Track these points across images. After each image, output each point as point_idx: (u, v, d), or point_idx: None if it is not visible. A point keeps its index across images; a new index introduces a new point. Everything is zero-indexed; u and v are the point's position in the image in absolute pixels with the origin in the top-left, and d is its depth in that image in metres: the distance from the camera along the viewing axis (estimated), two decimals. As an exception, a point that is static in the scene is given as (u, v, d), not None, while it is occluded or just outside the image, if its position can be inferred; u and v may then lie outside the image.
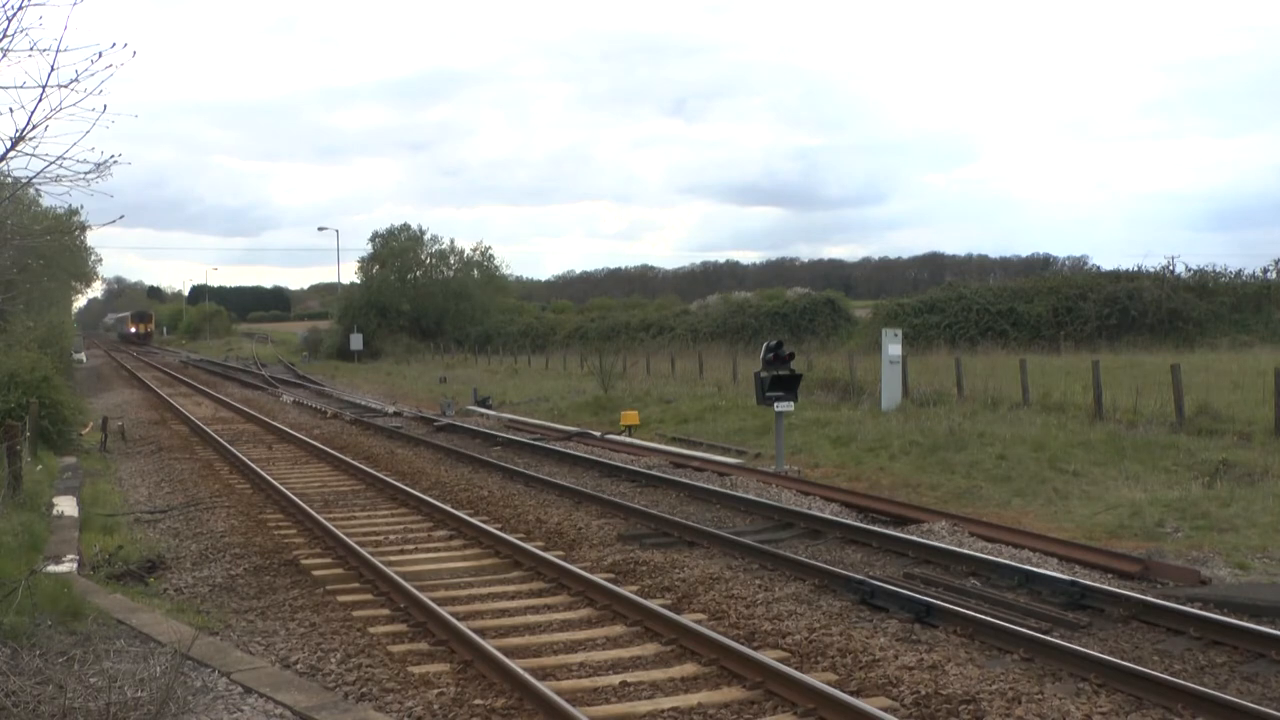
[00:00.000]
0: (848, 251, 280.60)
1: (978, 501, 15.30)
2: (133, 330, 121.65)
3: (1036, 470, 16.59)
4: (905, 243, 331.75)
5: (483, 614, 9.97)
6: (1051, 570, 11.02)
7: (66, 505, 14.51)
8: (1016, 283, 53.91)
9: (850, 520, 13.91)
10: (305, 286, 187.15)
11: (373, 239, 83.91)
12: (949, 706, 7.45)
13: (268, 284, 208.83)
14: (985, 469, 17.02)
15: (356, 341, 68.76)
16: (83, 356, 61.60)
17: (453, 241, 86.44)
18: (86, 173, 8.70)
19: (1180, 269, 49.05)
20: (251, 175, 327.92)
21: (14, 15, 8.20)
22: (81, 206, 33.95)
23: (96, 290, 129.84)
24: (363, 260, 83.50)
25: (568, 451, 21.01)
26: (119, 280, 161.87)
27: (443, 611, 9.41)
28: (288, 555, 12.44)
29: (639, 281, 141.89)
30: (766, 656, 8.30)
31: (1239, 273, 49.34)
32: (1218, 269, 49.15)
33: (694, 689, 7.96)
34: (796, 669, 8.07)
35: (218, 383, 47.49)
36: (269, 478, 17.39)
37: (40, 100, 8.10)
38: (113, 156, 8.77)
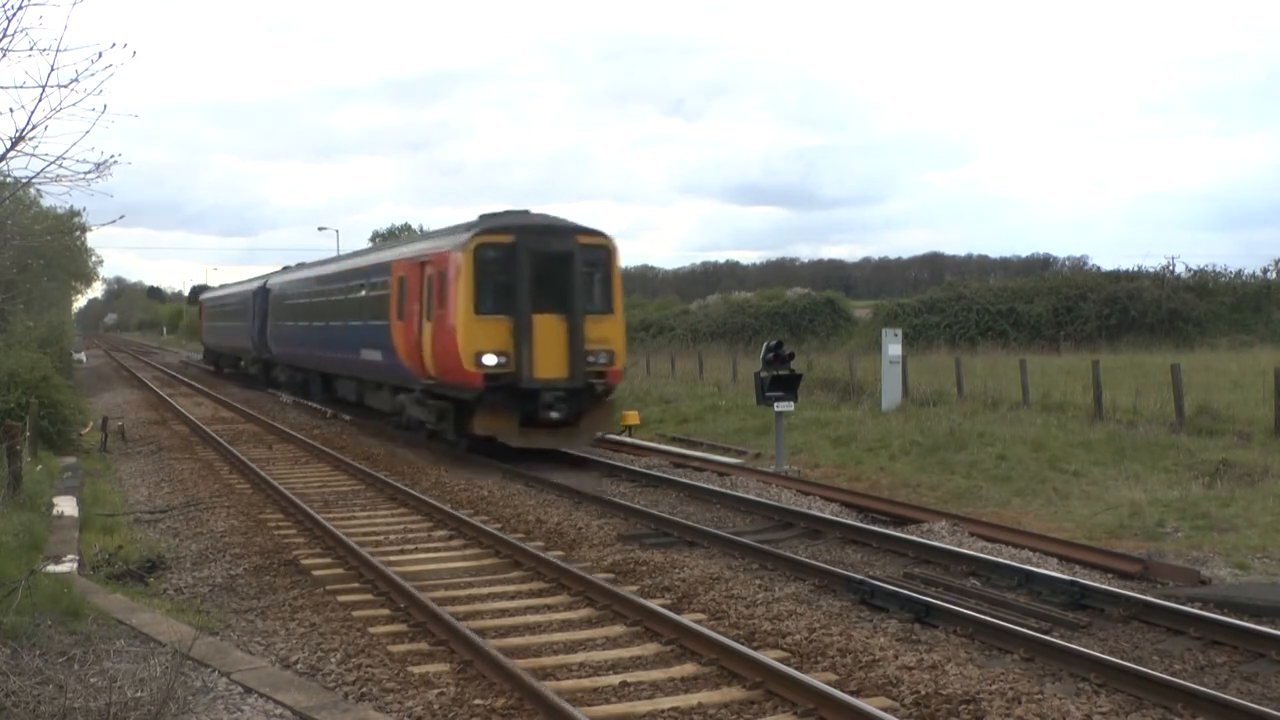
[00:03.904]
0: (848, 251, 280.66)
1: (978, 501, 15.29)
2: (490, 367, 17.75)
3: (1036, 470, 16.59)
4: (905, 243, 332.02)
5: (483, 614, 9.97)
6: (1051, 570, 11.03)
7: (66, 505, 14.50)
8: (1016, 283, 53.88)
9: (850, 520, 13.90)
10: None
11: (373, 239, 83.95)
12: (949, 706, 7.46)
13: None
14: (985, 469, 17.02)
15: (360, 342, 67.09)
16: (83, 356, 61.58)
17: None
18: (86, 173, 8.75)
19: (1180, 269, 49.16)
20: (250, 175, 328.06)
21: (14, 15, 8.23)
22: (84, 208, 33.93)
23: (97, 290, 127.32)
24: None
25: (567, 451, 20.99)
26: (119, 280, 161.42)
27: (443, 611, 9.41)
28: (288, 555, 12.43)
29: (639, 281, 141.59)
30: (766, 656, 8.30)
31: (1239, 273, 49.49)
32: (1218, 269, 49.28)
33: (694, 689, 7.96)
34: (796, 669, 8.07)
35: (218, 383, 47.46)
36: (269, 478, 17.38)
37: (40, 100, 8.15)
38: (113, 156, 8.83)
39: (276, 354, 35.51)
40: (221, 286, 57.00)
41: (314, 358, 30.19)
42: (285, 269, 39.59)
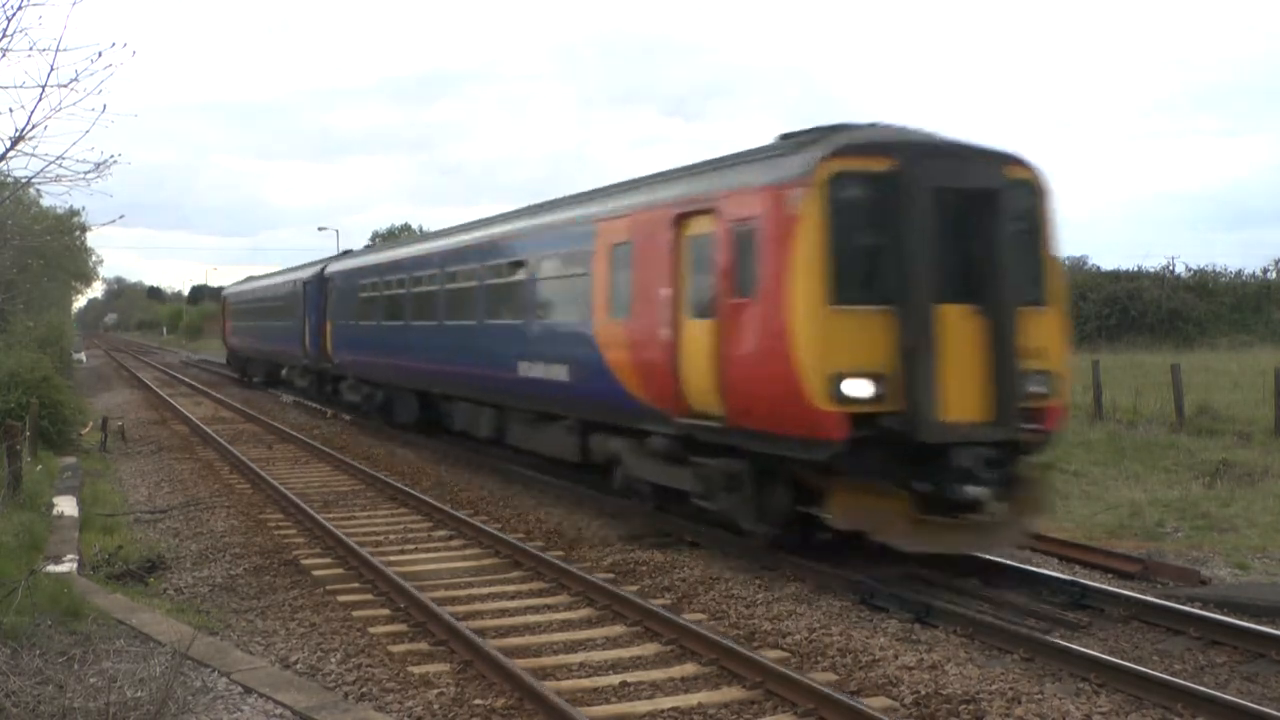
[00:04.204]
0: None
1: (978, 501, 15.27)
2: None
3: (1036, 470, 16.57)
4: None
5: (482, 614, 9.97)
6: (1051, 570, 11.03)
7: (66, 505, 14.51)
8: (1017, 282, 53.82)
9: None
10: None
11: (373, 238, 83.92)
12: (949, 706, 7.46)
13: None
14: (985, 469, 16.99)
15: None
16: (83, 356, 61.54)
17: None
18: (86, 172, 8.78)
19: (1180, 269, 49.10)
20: (250, 175, 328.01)
21: (14, 15, 8.25)
22: (84, 208, 33.92)
23: (97, 290, 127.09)
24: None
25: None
26: (119, 280, 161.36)
27: (442, 611, 9.41)
28: (288, 555, 12.44)
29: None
30: (766, 656, 8.31)
31: (1239, 273, 49.37)
32: (1218, 269, 49.23)
33: (694, 689, 7.96)
34: (796, 669, 8.08)
35: (218, 383, 47.47)
36: (269, 478, 17.38)
37: (40, 100, 8.19)
38: (112, 156, 8.86)
39: (342, 363, 26.99)
40: (249, 279, 45.26)
41: (411, 372, 21.83)
42: (347, 253, 31.19)
